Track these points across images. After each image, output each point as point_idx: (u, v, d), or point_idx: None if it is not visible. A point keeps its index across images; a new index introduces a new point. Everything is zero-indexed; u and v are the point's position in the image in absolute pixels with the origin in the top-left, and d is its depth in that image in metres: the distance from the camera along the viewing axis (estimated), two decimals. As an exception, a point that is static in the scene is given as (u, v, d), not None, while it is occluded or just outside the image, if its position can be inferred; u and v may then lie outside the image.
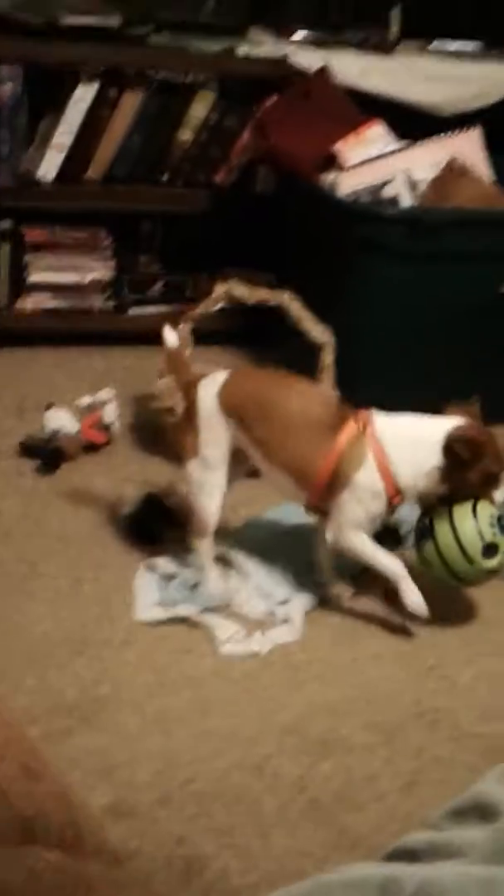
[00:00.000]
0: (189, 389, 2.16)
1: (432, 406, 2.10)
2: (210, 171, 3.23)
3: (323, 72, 3.07)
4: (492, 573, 2.09)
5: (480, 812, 0.82)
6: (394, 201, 2.81)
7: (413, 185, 2.82)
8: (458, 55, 3.34)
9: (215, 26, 3.20)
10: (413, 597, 2.06)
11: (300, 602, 2.15)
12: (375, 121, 2.91)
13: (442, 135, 2.90)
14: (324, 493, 2.07)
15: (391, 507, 2.08)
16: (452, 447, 2.01)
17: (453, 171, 2.81)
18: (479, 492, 2.06)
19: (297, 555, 2.28)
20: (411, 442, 2.04)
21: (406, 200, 2.83)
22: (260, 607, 2.15)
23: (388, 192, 2.81)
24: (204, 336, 2.67)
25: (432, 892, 0.70)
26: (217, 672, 1.97)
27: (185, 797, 1.67)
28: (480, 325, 2.81)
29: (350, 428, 2.05)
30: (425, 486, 2.05)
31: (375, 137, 2.87)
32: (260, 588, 2.19)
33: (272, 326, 2.73)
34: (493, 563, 2.06)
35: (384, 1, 3.32)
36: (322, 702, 1.91)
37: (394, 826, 1.63)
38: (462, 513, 2.05)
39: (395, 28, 3.31)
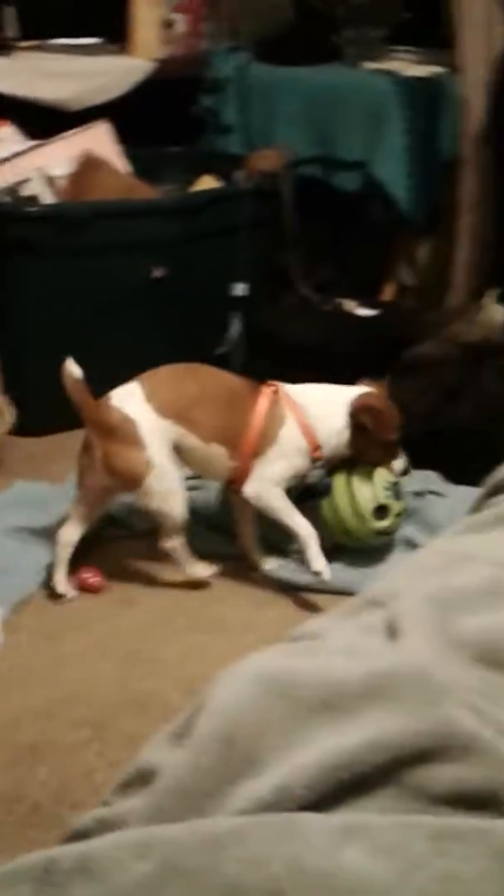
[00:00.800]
0: (100, 414, 2.12)
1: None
2: None
3: None
4: (382, 534, 2.27)
5: (142, 779, 0.85)
6: (34, 200, 2.80)
7: (51, 182, 2.83)
8: (78, 50, 3.37)
9: None
10: (318, 559, 2.16)
11: (-4, 612, 2.12)
12: (3, 121, 2.89)
13: (72, 131, 2.91)
14: (251, 456, 2.18)
15: (313, 462, 2.20)
16: (357, 414, 2.18)
17: (89, 166, 2.83)
18: (380, 459, 2.25)
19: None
20: (322, 402, 2.21)
21: (46, 198, 2.82)
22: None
23: (26, 190, 2.80)
24: None
25: (88, 864, 0.73)
26: None
27: None
28: (139, 311, 2.86)
29: (266, 394, 2.20)
30: (337, 445, 2.21)
31: (5, 137, 2.85)
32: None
33: None
34: (383, 523, 2.24)
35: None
36: (28, 707, 1.89)
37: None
38: (361, 475, 2.24)
39: (11, 28, 3.29)
